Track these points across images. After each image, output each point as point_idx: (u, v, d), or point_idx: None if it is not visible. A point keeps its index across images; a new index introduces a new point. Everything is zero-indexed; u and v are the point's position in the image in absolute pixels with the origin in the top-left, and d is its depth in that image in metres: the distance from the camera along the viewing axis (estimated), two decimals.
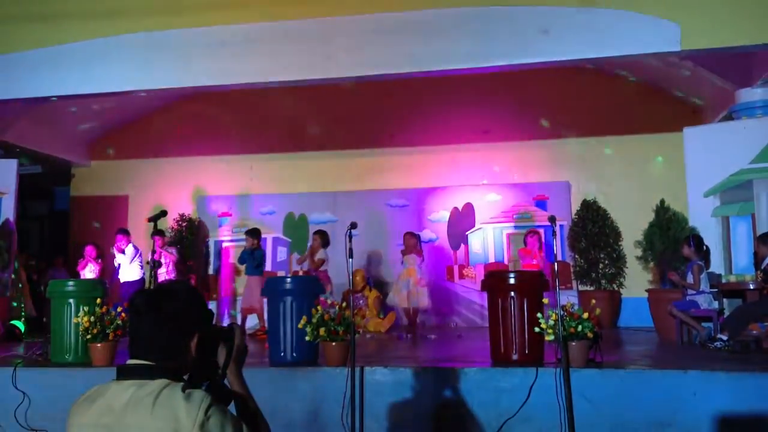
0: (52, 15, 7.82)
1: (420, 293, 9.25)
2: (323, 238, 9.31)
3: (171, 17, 7.67)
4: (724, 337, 6.63)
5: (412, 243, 9.44)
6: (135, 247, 9.81)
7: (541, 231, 9.48)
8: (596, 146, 10.92)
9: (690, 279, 7.50)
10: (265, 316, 9.08)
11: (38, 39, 7.87)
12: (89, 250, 9.98)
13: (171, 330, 1.84)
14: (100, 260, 9.96)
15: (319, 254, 9.25)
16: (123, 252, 9.66)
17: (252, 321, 9.69)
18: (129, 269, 9.68)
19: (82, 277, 9.83)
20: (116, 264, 9.76)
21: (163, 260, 9.42)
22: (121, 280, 9.68)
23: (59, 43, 7.80)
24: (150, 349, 1.82)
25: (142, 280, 9.79)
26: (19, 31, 7.94)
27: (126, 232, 9.89)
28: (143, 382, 1.77)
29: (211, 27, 7.60)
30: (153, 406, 1.70)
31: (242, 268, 9.94)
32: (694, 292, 7.48)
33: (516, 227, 10.96)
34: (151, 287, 2.39)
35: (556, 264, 5.29)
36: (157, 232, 8.99)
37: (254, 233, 9.49)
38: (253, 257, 9.35)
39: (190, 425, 1.66)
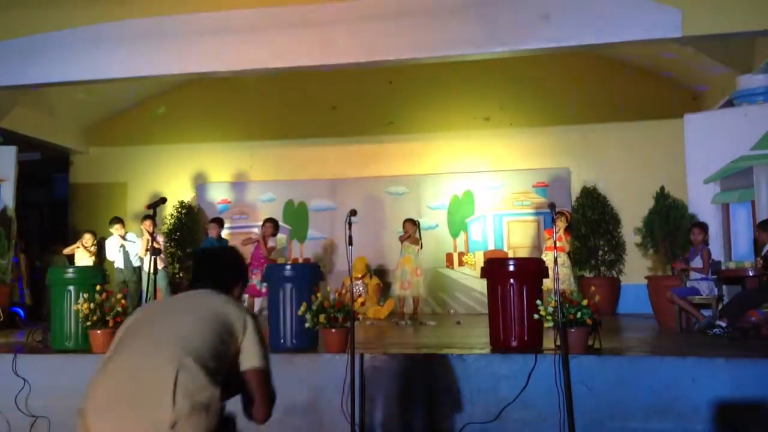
0: (48, 1, 7.78)
1: (417, 283, 9.20)
2: (275, 226, 9.37)
3: (170, 3, 7.63)
4: (723, 324, 6.65)
5: (413, 230, 9.40)
6: (135, 235, 9.82)
7: (568, 213, 9.40)
8: (596, 133, 10.89)
9: (699, 263, 7.53)
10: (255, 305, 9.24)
11: (36, 25, 7.85)
12: (86, 238, 9.92)
13: (231, 271, 2.85)
14: (94, 248, 9.90)
15: (271, 242, 9.33)
16: (125, 239, 9.66)
17: None
18: (135, 256, 9.67)
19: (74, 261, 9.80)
20: (121, 252, 9.72)
21: (161, 246, 9.40)
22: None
23: (57, 29, 7.77)
24: (216, 282, 2.75)
25: (140, 267, 9.79)
26: (18, 17, 7.90)
27: (121, 221, 9.86)
28: (213, 292, 2.68)
29: (210, 13, 7.57)
30: (225, 299, 2.64)
31: None
32: (699, 277, 7.50)
33: (516, 214, 10.95)
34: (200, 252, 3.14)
35: (555, 251, 5.29)
36: (148, 217, 8.98)
37: (219, 222, 9.58)
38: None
39: (243, 312, 2.60)
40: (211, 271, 2.80)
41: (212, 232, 9.48)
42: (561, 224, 8.60)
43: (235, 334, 2.49)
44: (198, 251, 3.07)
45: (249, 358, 2.51)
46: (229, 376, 2.45)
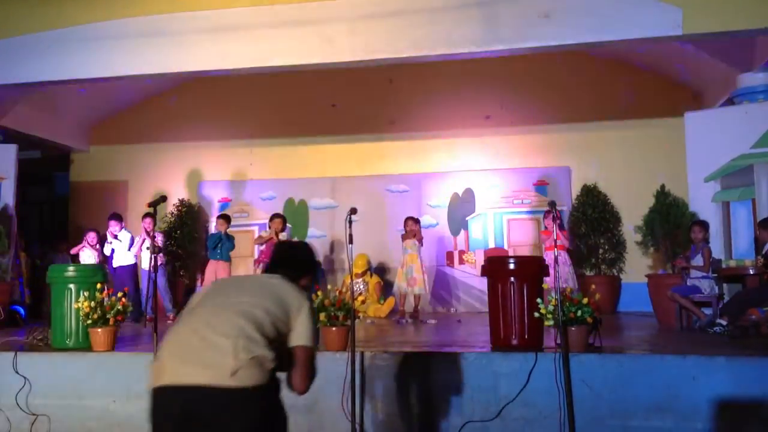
0: None
1: (422, 280, 9.27)
2: (284, 220, 9.59)
3: (169, 1, 7.63)
4: (724, 322, 6.65)
5: (416, 228, 9.43)
6: (129, 233, 9.83)
7: (556, 211, 9.38)
8: (597, 131, 10.89)
9: (700, 262, 7.53)
10: None
11: (35, 23, 7.84)
12: (91, 236, 9.96)
13: (301, 263, 3.26)
14: (98, 246, 9.94)
15: (282, 237, 9.48)
16: (116, 237, 9.67)
17: None
18: (123, 254, 9.69)
19: (79, 261, 9.83)
20: (110, 249, 9.75)
21: (159, 244, 9.41)
22: (114, 265, 9.67)
23: (56, 27, 7.76)
24: (287, 271, 3.12)
25: (135, 265, 9.80)
26: (17, 15, 7.90)
27: (119, 218, 9.90)
28: (281, 278, 3.05)
29: (210, 11, 7.56)
30: (290, 285, 3.00)
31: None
32: (699, 275, 7.50)
33: (516, 212, 10.96)
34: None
35: (556, 249, 5.29)
36: (148, 215, 9.14)
37: (226, 218, 9.70)
38: (229, 241, 9.52)
39: (302, 298, 2.94)
40: (284, 261, 3.22)
41: (220, 228, 9.57)
42: (549, 222, 8.73)
43: (290, 315, 2.88)
44: (276, 245, 3.49)
45: (300, 337, 2.88)
46: (283, 352, 2.83)
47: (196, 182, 11.92)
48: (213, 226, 11.19)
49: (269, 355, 2.69)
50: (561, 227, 9.09)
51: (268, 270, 3.22)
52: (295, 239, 6.47)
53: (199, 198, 11.82)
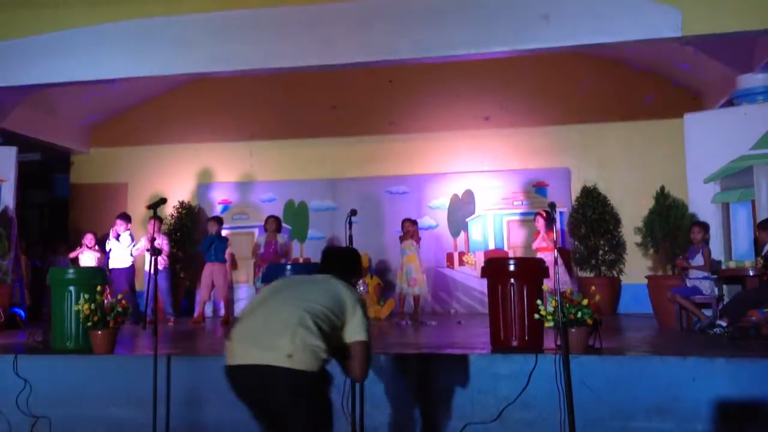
0: (49, 1, 7.78)
1: (422, 280, 9.32)
2: (279, 221, 9.72)
3: (170, 4, 7.63)
4: (724, 324, 6.65)
5: (413, 229, 9.47)
6: (131, 236, 9.82)
7: (543, 212, 9.39)
8: (596, 132, 10.89)
9: (700, 262, 7.53)
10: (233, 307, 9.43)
11: (35, 26, 7.84)
12: (88, 238, 9.97)
13: (352, 265, 3.70)
14: (97, 247, 9.94)
15: (279, 238, 9.57)
16: (118, 238, 9.65)
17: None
18: (121, 256, 9.67)
19: (78, 264, 9.83)
20: (107, 249, 9.74)
21: (162, 247, 9.42)
22: (111, 266, 9.66)
23: (56, 30, 7.77)
24: (340, 272, 3.56)
25: (132, 267, 9.77)
26: (17, 18, 7.90)
27: (127, 218, 9.88)
28: (335, 278, 3.48)
29: (211, 13, 7.57)
30: (344, 285, 3.43)
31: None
32: (700, 276, 7.51)
33: (516, 214, 10.96)
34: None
35: (555, 250, 5.29)
36: (155, 217, 9.13)
37: (217, 220, 9.79)
38: (222, 242, 9.59)
39: (355, 296, 3.38)
40: (335, 263, 3.63)
41: (212, 229, 9.62)
42: (540, 224, 8.78)
43: (345, 311, 3.29)
44: (326, 249, 3.83)
45: (355, 333, 3.30)
46: (337, 345, 3.26)
47: (196, 184, 11.93)
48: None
49: (322, 346, 3.11)
50: (549, 228, 9.11)
51: (320, 271, 3.61)
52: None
53: (199, 200, 11.82)
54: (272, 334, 3.11)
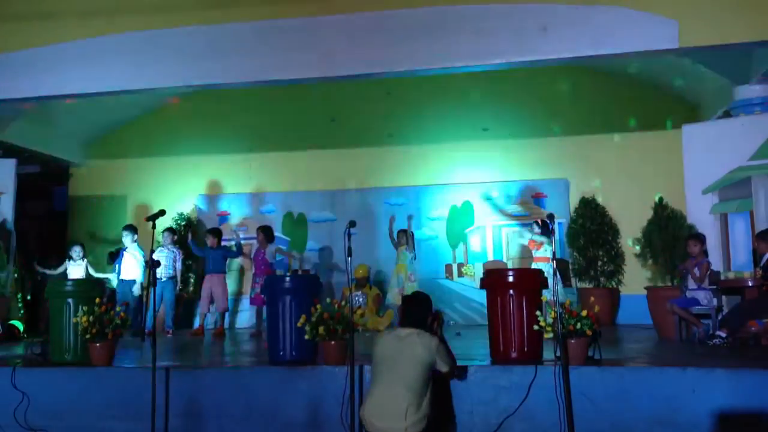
0: (47, 14, 7.81)
1: (411, 288, 9.27)
2: (267, 233, 9.68)
3: (168, 16, 7.66)
4: (723, 334, 6.64)
5: (403, 238, 9.68)
6: (139, 247, 9.79)
7: (539, 220, 9.37)
8: (595, 144, 10.91)
9: (696, 274, 7.53)
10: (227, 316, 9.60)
11: (32, 39, 7.86)
12: (76, 251, 9.86)
13: (425, 313, 4.72)
14: (85, 259, 9.86)
15: (269, 249, 9.59)
16: (125, 250, 9.65)
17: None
18: (130, 268, 9.66)
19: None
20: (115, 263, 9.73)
21: (163, 260, 9.38)
22: (120, 278, 9.66)
23: (52, 43, 7.79)
24: (415, 322, 4.61)
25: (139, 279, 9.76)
26: (15, 30, 7.93)
27: (133, 229, 9.82)
28: (413, 330, 4.53)
29: (209, 26, 7.59)
30: (419, 335, 4.49)
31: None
32: (695, 288, 7.50)
33: (515, 225, 10.96)
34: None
35: (554, 262, 5.29)
36: (169, 230, 9.86)
37: (213, 232, 9.82)
38: (222, 255, 9.68)
39: (435, 342, 4.49)
40: (412, 315, 4.66)
41: (210, 242, 9.64)
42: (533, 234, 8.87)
43: (432, 359, 4.45)
44: (405, 298, 5.05)
45: (442, 366, 4.55)
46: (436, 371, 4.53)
47: (195, 196, 11.92)
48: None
49: (426, 404, 4.32)
50: (544, 237, 9.10)
51: (401, 324, 4.71)
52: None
53: (198, 212, 11.82)
54: (392, 412, 4.23)
